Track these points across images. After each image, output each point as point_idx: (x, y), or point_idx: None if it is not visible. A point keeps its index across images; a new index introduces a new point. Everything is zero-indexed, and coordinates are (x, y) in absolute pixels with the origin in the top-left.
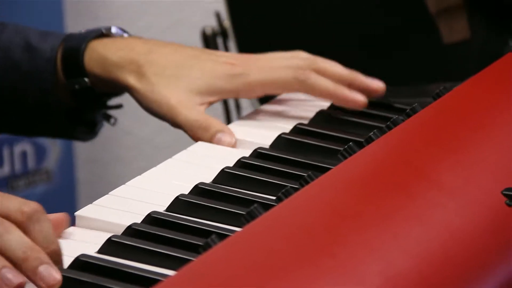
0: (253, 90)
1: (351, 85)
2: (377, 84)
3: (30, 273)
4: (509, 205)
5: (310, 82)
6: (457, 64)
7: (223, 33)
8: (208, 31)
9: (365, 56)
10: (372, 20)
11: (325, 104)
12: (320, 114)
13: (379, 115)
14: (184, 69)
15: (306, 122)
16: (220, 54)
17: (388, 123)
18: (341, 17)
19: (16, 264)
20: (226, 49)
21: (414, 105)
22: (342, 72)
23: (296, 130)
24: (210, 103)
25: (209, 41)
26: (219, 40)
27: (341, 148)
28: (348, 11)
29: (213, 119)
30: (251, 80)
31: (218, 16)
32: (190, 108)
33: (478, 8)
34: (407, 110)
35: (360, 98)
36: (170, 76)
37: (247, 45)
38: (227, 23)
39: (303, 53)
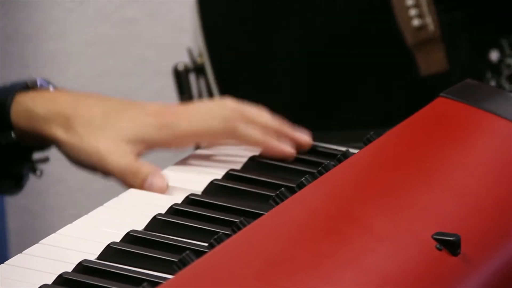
0: (183, 140)
1: (279, 135)
2: (303, 138)
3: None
4: (439, 249)
5: (239, 132)
6: (435, 96)
7: (197, 70)
8: (180, 68)
9: (345, 83)
10: (348, 48)
11: (257, 150)
12: (252, 159)
13: (311, 160)
14: (111, 119)
15: (238, 167)
16: (146, 105)
17: (319, 168)
18: (319, 46)
19: None
20: (198, 86)
21: (345, 151)
22: (270, 122)
23: (228, 176)
24: (140, 153)
25: (182, 77)
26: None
27: (273, 194)
28: (323, 39)
29: (143, 163)
30: (181, 131)
31: (190, 52)
32: (120, 155)
33: (456, 40)
34: (339, 156)
35: (288, 149)
36: (97, 126)
37: (226, 80)
38: (200, 59)
39: (230, 102)
